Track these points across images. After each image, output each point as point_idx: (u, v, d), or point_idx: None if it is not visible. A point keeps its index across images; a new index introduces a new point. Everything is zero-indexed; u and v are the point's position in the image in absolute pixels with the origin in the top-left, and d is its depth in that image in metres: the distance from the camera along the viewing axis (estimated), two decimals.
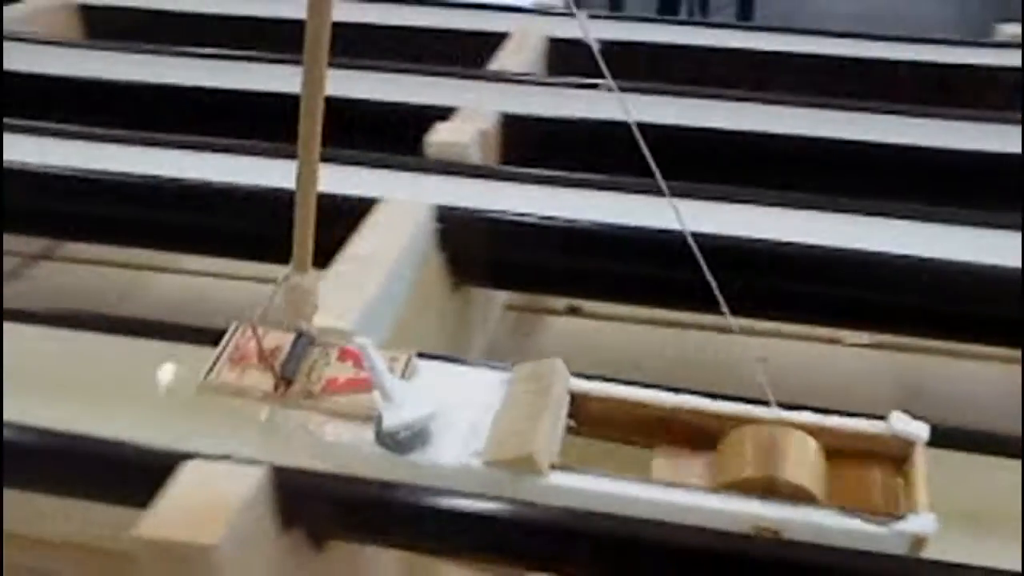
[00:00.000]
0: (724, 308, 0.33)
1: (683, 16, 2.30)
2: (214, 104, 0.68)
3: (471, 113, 0.61)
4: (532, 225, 0.51)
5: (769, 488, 0.30)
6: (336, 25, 0.82)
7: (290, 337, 0.33)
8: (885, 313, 0.52)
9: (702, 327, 0.68)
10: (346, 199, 0.49)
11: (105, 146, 0.59)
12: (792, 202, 0.52)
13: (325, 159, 0.53)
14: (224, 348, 0.33)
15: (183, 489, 0.31)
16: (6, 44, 0.72)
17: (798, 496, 0.29)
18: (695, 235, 0.49)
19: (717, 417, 0.32)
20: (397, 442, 0.32)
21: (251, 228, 0.54)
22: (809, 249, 0.48)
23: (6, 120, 0.61)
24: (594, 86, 0.66)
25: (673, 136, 0.62)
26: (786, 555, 0.29)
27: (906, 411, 0.31)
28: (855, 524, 0.29)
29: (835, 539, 0.29)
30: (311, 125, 0.30)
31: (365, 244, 0.45)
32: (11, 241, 0.77)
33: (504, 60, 0.73)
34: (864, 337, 0.64)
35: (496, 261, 0.53)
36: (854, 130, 0.61)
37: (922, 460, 0.30)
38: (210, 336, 0.34)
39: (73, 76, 0.70)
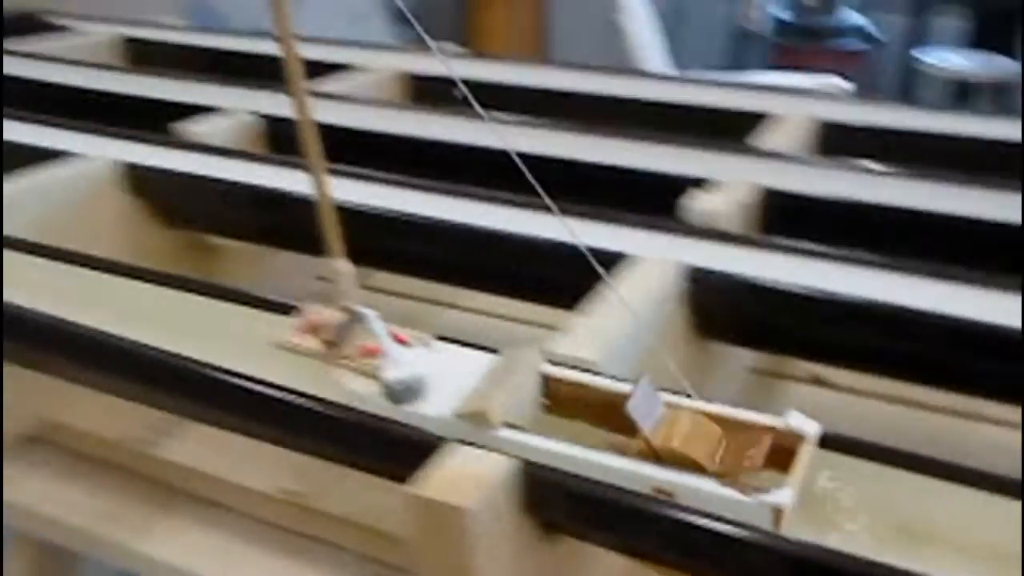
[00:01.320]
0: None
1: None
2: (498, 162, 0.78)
3: (729, 184, 0.66)
4: (777, 291, 0.55)
5: (668, 458, 0.37)
6: (620, 100, 0.90)
7: (341, 314, 0.45)
8: None
9: (940, 409, 0.69)
10: (606, 252, 0.57)
11: (408, 192, 0.69)
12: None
13: (592, 217, 0.61)
14: (296, 320, 0.47)
15: (447, 464, 0.39)
16: (354, 106, 0.86)
17: (689, 466, 0.37)
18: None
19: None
20: (394, 393, 0.42)
21: (525, 273, 0.62)
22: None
23: (343, 168, 0.73)
24: (857, 168, 0.70)
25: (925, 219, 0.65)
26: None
27: None
28: (728, 493, 0.36)
29: (713, 504, 0.36)
30: (313, 145, 0.43)
31: (618, 292, 0.52)
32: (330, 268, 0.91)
33: (769, 138, 0.78)
34: None
35: (738, 321, 0.58)
36: None
37: (807, 452, 0.37)
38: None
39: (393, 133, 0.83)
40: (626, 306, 0.49)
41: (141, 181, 0.72)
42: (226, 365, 0.46)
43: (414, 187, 0.69)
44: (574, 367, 0.43)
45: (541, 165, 0.76)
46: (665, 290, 0.54)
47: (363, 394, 0.43)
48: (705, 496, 0.36)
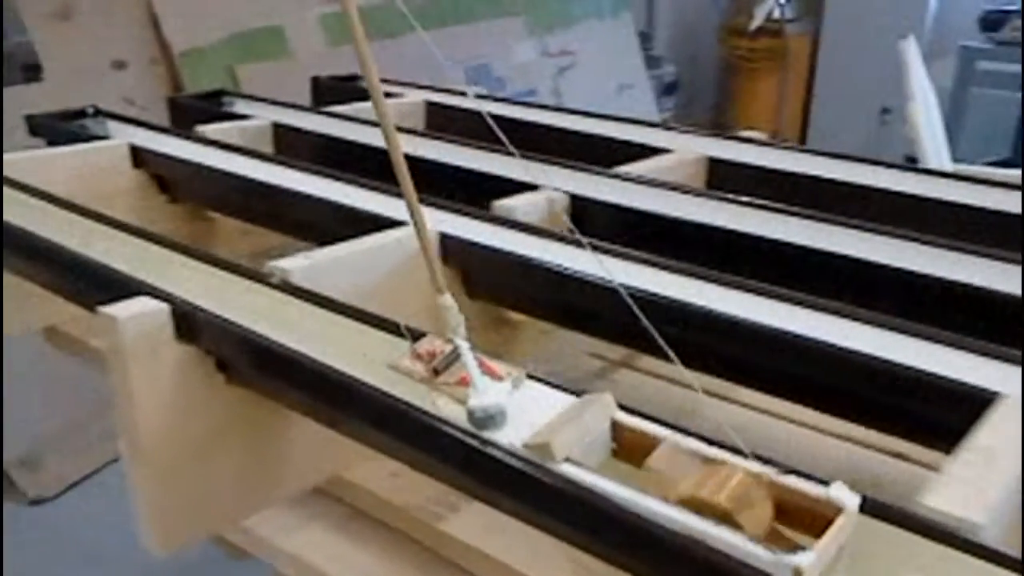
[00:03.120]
0: None
1: None
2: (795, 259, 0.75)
3: None
4: None
5: (708, 509, 0.39)
6: (976, 211, 0.82)
7: (451, 346, 0.50)
8: None
9: None
10: (973, 387, 0.51)
11: (694, 281, 0.67)
12: None
13: (954, 345, 0.55)
14: (411, 347, 0.53)
15: None
16: (646, 189, 0.85)
17: (725, 519, 0.39)
18: None
19: (704, 457, 0.43)
20: (476, 420, 0.46)
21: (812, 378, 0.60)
22: None
23: (640, 254, 0.72)
24: None
25: None
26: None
27: None
28: (754, 547, 0.38)
29: (741, 556, 0.38)
30: (407, 185, 0.48)
31: (989, 437, 0.47)
32: (599, 347, 0.89)
33: None
34: None
35: None
36: None
37: (843, 522, 0.38)
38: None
39: (691, 220, 0.81)
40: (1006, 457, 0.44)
41: (451, 252, 0.73)
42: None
43: (725, 283, 0.67)
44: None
45: (853, 269, 0.72)
46: None
47: (451, 417, 0.48)
48: (732, 548, 0.38)
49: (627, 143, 0.99)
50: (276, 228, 0.93)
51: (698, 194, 0.85)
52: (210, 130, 1.03)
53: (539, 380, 0.50)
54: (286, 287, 0.62)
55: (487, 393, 0.47)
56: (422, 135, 1.03)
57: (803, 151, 0.99)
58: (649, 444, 0.44)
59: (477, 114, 1.19)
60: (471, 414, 0.46)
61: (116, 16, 1.92)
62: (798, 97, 3.73)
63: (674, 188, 0.85)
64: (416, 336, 0.53)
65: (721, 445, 0.43)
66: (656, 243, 0.77)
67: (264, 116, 1.10)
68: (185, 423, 0.59)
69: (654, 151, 0.97)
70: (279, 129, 1.06)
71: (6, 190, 0.83)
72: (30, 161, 0.92)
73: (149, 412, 0.57)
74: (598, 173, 0.87)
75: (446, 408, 0.48)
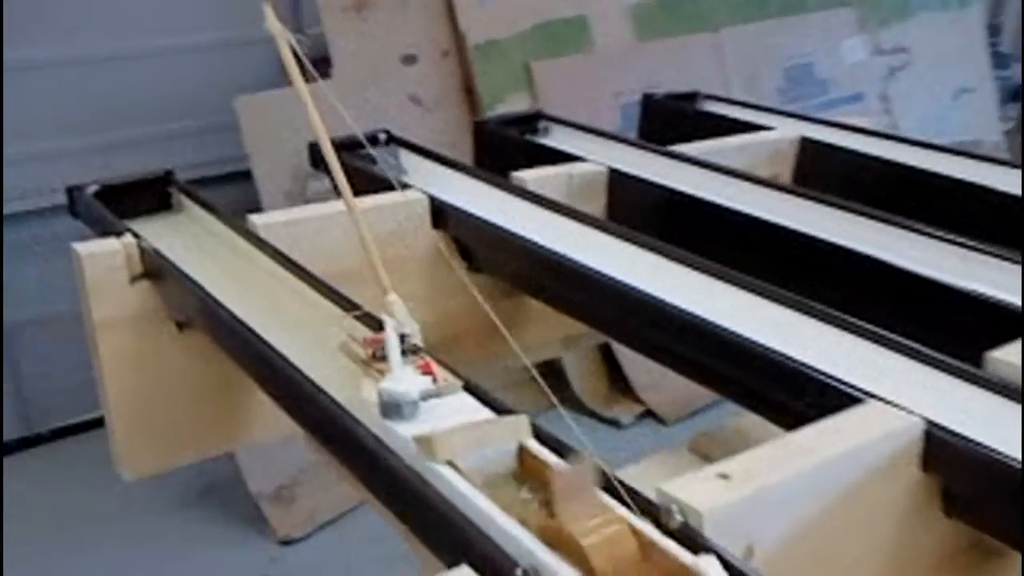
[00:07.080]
0: None
1: None
2: None
3: None
4: None
5: (564, 545, 0.37)
6: None
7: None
8: None
9: None
10: None
11: None
12: None
13: None
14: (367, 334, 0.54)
15: None
16: None
17: (577, 561, 0.37)
18: None
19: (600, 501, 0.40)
20: (382, 404, 0.47)
21: None
22: None
23: None
24: None
25: None
26: None
27: None
28: None
29: None
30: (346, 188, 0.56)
31: None
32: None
33: None
34: None
35: None
36: None
37: None
38: None
39: None
40: None
41: (933, 457, 0.44)
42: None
43: None
44: None
45: None
46: None
47: (367, 401, 0.48)
48: None
49: None
50: (601, 327, 0.69)
51: None
52: (530, 179, 0.78)
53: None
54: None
55: (401, 381, 0.47)
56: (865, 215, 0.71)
57: None
58: (547, 475, 0.42)
59: (875, 159, 0.88)
60: (380, 396, 0.46)
61: (410, 7, 1.74)
62: None
63: None
64: (376, 324, 0.53)
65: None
66: None
67: (593, 155, 0.84)
68: None
69: None
70: (616, 177, 0.80)
71: (285, 272, 0.65)
72: (311, 220, 0.72)
73: None
74: None
75: (369, 392, 0.48)
